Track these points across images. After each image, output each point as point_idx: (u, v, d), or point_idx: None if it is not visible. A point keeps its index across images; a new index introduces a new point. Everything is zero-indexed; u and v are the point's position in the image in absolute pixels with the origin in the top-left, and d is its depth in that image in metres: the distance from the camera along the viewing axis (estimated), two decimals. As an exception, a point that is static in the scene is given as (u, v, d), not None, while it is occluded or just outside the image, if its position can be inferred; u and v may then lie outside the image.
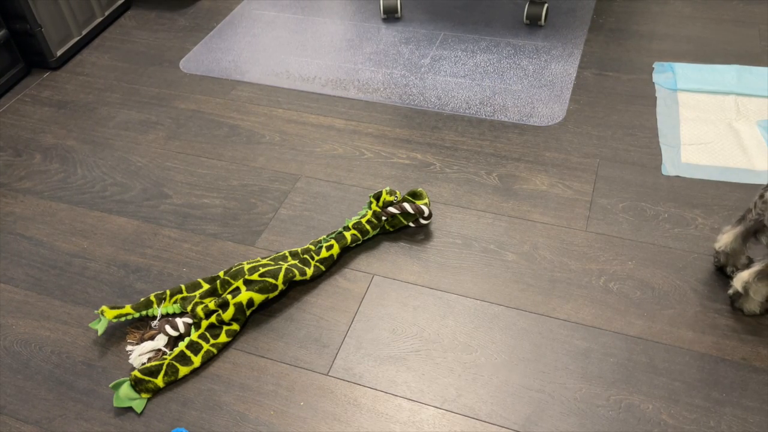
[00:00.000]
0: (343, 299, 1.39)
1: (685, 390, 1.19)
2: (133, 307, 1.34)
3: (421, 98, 1.92)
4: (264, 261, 1.40)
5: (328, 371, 1.27)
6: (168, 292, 1.37)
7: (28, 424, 1.22)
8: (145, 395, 1.23)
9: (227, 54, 2.18)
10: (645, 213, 1.52)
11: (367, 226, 1.46)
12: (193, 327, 1.32)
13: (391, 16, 2.27)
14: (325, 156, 1.74)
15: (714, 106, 1.80)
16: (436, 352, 1.28)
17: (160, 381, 1.24)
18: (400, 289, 1.40)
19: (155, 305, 1.36)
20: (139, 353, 1.29)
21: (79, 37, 2.25)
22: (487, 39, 2.15)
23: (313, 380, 1.26)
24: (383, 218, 1.47)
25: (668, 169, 1.63)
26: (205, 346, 1.30)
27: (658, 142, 1.71)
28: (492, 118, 1.83)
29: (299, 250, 1.43)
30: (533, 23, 2.18)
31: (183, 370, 1.27)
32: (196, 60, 2.16)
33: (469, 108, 1.87)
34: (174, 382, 1.26)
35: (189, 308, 1.35)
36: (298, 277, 1.38)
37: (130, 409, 1.23)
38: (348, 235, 1.45)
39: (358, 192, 1.63)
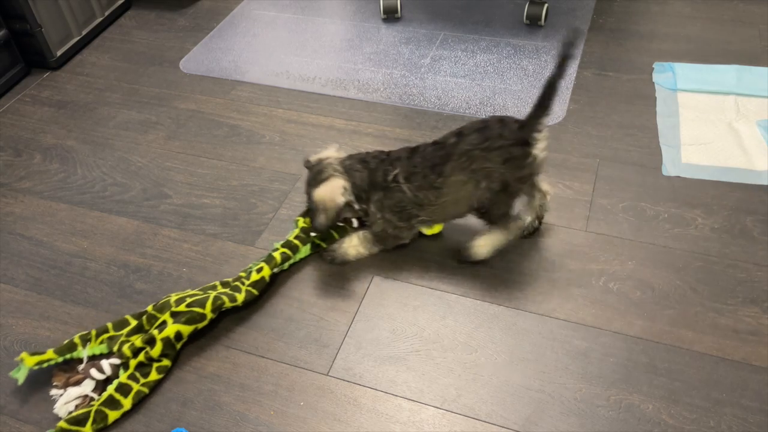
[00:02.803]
0: (343, 299, 1.39)
1: (685, 390, 1.19)
2: (55, 352, 1.26)
3: (421, 98, 1.92)
4: (192, 291, 1.34)
5: (328, 371, 1.27)
6: (93, 333, 1.30)
7: (28, 424, 1.22)
8: None
9: (227, 54, 2.18)
10: (645, 213, 1.52)
11: (296, 242, 1.43)
12: (121, 368, 1.26)
13: (391, 16, 2.27)
14: (325, 156, 1.74)
15: (714, 106, 1.80)
16: (436, 352, 1.28)
17: (88, 430, 1.18)
18: (400, 289, 1.40)
19: (80, 347, 1.28)
20: (65, 401, 1.21)
21: (79, 37, 2.25)
22: (487, 39, 2.15)
23: (313, 380, 1.26)
24: (312, 234, 1.45)
25: (668, 169, 1.63)
26: (136, 387, 1.23)
27: (658, 142, 1.71)
28: (492, 118, 1.83)
29: (230, 279, 1.38)
30: (533, 23, 2.18)
31: (112, 415, 1.20)
32: (196, 60, 2.16)
33: (469, 108, 1.87)
34: (103, 429, 1.20)
35: (116, 348, 1.28)
36: (228, 304, 1.31)
37: (130, 409, 1.23)
38: (277, 255, 1.40)
39: (358, 192, 1.63)
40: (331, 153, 1.42)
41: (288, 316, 1.37)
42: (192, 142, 1.83)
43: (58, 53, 2.17)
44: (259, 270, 1.37)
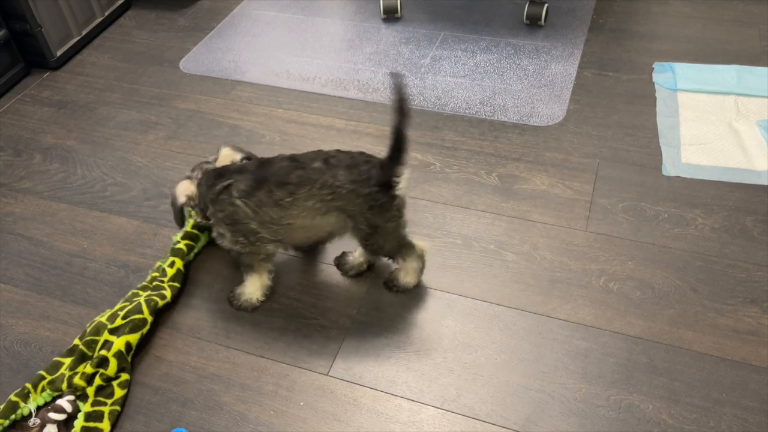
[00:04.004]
0: (343, 299, 1.39)
1: (685, 390, 1.19)
2: (0, 416, 1.19)
3: (421, 98, 1.92)
4: (118, 306, 1.33)
5: (328, 371, 1.27)
6: (29, 386, 1.23)
7: (28, 424, 1.22)
8: None
9: (227, 54, 2.18)
10: (645, 213, 1.52)
11: (195, 231, 1.48)
12: (78, 401, 1.22)
13: (391, 16, 2.27)
14: (325, 156, 1.74)
15: (714, 106, 1.80)
16: (436, 352, 1.28)
17: None
18: (400, 289, 1.40)
19: (21, 403, 1.21)
20: None
21: (79, 37, 2.25)
22: (487, 39, 2.15)
23: (313, 380, 1.26)
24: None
25: (668, 169, 1.63)
26: (107, 409, 1.20)
27: (658, 142, 1.71)
28: (492, 118, 1.83)
29: (145, 283, 1.39)
30: (533, 23, 2.18)
31: None
32: (196, 60, 2.16)
33: (469, 108, 1.87)
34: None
35: (64, 386, 1.22)
36: (161, 303, 1.33)
37: (130, 409, 1.23)
38: (182, 245, 1.45)
39: (358, 192, 1.63)
40: (226, 153, 1.38)
41: (288, 316, 1.37)
42: (192, 142, 1.83)
43: (58, 53, 2.17)
44: (172, 264, 1.41)
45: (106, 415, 1.19)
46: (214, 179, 1.28)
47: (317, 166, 1.21)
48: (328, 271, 1.45)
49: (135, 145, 1.84)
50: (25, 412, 1.21)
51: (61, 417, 1.19)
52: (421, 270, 1.37)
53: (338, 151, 1.24)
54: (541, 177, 1.63)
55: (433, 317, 1.34)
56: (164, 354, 1.32)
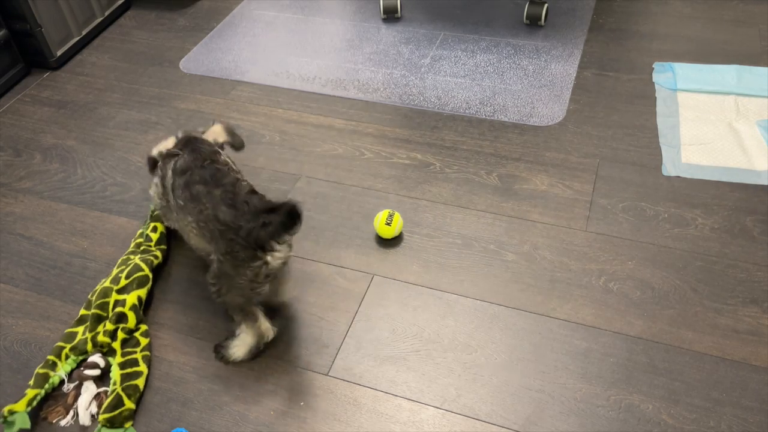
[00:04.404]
0: (343, 299, 1.39)
1: (685, 390, 1.19)
2: (34, 387, 1.22)
3: (421, 98, 1.92)
4: (116, 271, 1.39)
5: (328, 371, 1.27)
6: (52, 357, 1.27)
7: (28, 424, 1.22)
8: (127, 424, 1.18)
9: (227, 54, 2.18)
10: (645, 213, 1.52)
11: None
12: (108, 357, 1.28)
13: (391, 16, 2.27)
14: (325, 156, 1.74)
15: (714, 106, 1.80)
16: (436, 352, 1.28)
17: (129, 404, 1.19)
18: (400, 289, 1.40)
19: (51, 373, 1.24)
20: (84, 409, 1.21)
21: (79, 37, 2.25)
22: (487, 39, 2.15)
23: (313, 380, 1.26)
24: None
25: (668, 169, 1.63)
26: (139, 355, 1.26)
27: (658, 142, 1.71)
28: (492, 118, 1.83)
29: (132, 249, 1.46)
30: (533, 23, 2.18)
31: (140, 383, 1.23)
32: (196, 60, 2.16)
33: (469, 108, 1.87)
34: (141, 396, 1.23)
35: (89, 347, 1.28)
36: (155, 262, 1.42)
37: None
38: (157, 224, 1.50)
39: (358, 192, 1.63)
40: (215, 130, 1.42)
41: (288, 316, 1.37)
42: (192, 142, 1.83)
43: (58, 53, 2.17)
44: (155, 229, 1.48)
45: (140, 360, 1.26)
46: (179, 147, 1.33)
47: (216, 193, 1.19)
48: (328, 271, 1.45)
49: (135, 145, 1.84)
50: (56, 381, 1.25)
51: (95, 372, 1.25)
52: (253, 351, 1.26)
53: (251, 191, 1.21)
54: (541, 177, 1.63)
55: (433, 317, 1.34)
56: (164, 354, 1.32)
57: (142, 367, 1.26)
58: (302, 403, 1.22)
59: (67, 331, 1.33)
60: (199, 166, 1.26)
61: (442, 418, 1.18)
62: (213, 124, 1.42)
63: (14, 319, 1.41)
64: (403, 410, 1.20)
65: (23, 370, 1.31)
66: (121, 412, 1.18)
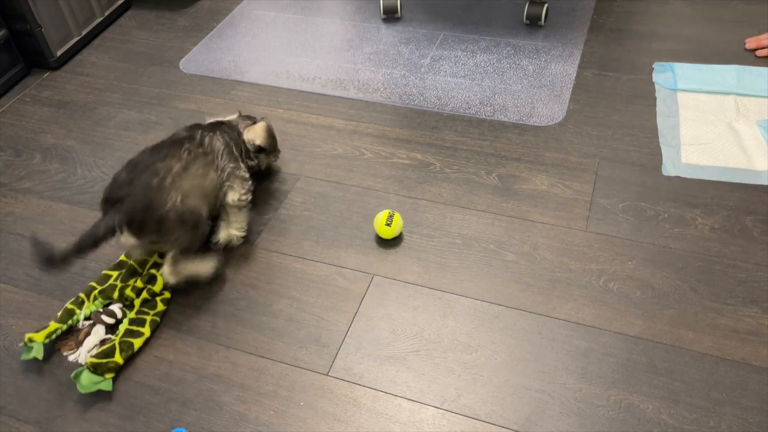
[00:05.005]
0: (343, 299, 1.39)
1: (685, 390, 1.19)
2: (58, 321, 1.31)
3: (421, 98, 1.92)
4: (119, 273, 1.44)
5: (328, 371, 1.27)
6: (82, 295, 1.37)
7: (28, 424, 1.22)
8: (108, 375, 1.24)
9: (227, 54, 2.18)
10: (645, 213, 1.52)
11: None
12: (125, 309, 1.36)
13: (391, 16, 2.27)
14: (325, 156, 1.74)
15: (714, 106, 1.80)
16: (436, 352, 1.28)
17: (118, 358, 1.26)
18: (400, 289, 1.40)
19: (77, 310, 1.34)
20: (87, 350, 1.28)
21: (79, 37, 2.25)
22: (487, 39, 2.15)
23: (313, 380, 1.26)
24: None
25: (668, 169, 1.63)
26: (148, 318, 1.33)
27: (658, 142, 1.71)
28: (492, 118, 1.83)
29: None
30: (533, 23, 2.18)
31: (137, 343, 1.30)
32: (196, 60, 2.16)
33: (469, 108, 1.87)
34: (132, 357, 1.29)
35: (115, 295, 1.36)
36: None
37: (130, 409, 1.23)
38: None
39: (358, 192, 1.63)
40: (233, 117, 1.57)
41: (288, 316, 1.37)
42: (192, 142, 1.83)
43: (58, 53, 2.17)
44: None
45: (147, 322, 1.33)
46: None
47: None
48: (328, 271, 1.45)
49: (135, 145, 1.84)
50: (79, 318, 1.33)
51: (111, 320, 1.33)
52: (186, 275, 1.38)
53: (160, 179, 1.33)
54: (541, 177, 1.63)
55: (433, 317, 1.34)
56: (164, 354, 1.32)
57: (146, 330, 1.32)
58: (302, 403, 1.22)
59: (103, 272, 1.42)
60: (172, 143, 1.40)
61: (442, 418, 1.18)
62: (260, 119, 1.46)
63: (14, 319, 1.41)
64: (403, 410, 1.20)
65: (23, 371, 1.31)
66: (107, 363, 1.24)
